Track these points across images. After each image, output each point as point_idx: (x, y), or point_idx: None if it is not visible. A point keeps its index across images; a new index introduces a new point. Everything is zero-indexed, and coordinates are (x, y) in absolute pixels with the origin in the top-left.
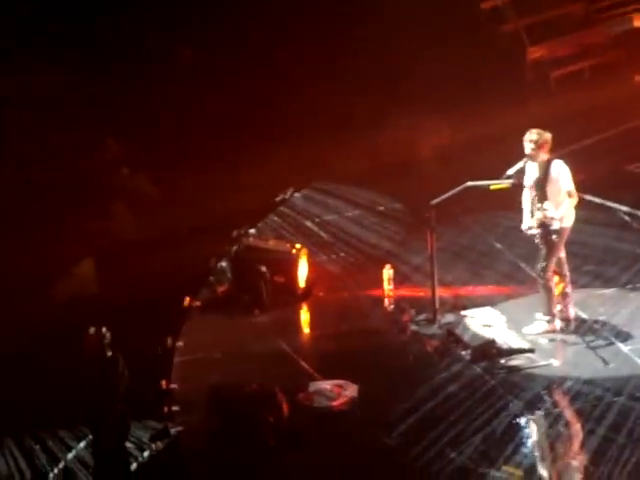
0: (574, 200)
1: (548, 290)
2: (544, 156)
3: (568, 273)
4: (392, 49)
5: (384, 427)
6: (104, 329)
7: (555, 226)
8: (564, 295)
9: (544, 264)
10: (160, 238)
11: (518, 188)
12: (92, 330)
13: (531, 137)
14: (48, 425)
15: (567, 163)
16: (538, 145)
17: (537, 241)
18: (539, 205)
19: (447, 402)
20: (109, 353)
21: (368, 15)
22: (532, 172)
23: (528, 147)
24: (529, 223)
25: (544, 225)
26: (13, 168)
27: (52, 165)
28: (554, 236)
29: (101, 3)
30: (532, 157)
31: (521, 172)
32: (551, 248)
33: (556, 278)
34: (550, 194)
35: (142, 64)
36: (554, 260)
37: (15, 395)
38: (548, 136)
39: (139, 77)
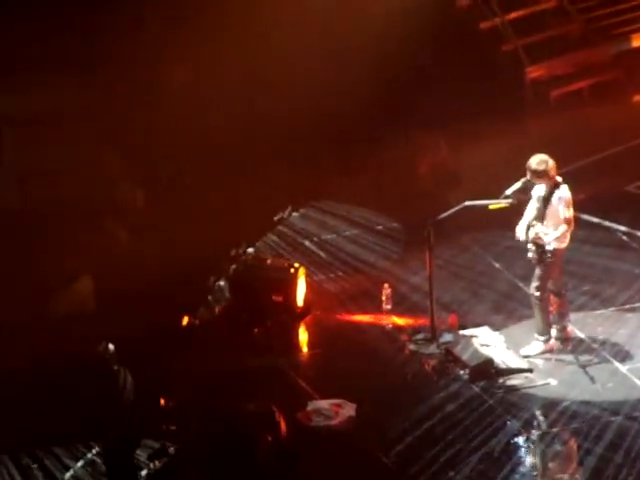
0: (570, 227)
1: (543, 310)
2: (548, 182)
3: (565, 292)
4: (388, 71)
5: (382, 446)
6: (110, 344)
7: (549, 247)
8: (562, 315)
9: (538, 284)
10: (157, 257)
11: (516, 207)
12: (100, 345)
13: (532, 166)
14: (47, 442)
15: (565, 182)
16: (538, 175)
17: (531, 259)
18: (535, 223)
19: (445, 421)
20: (115, 367)
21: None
22: (539, 189)
23: (528, 175)
24: (522, 234)
25: (538, 245)
26: (13, 184)
27: (51, 181)
28: (548, 255)
29: (97, 21)
30: (532, 182)
31: (519, 192)
32: (546, 268)
33: (554, 298)
34: (548, 215)
35: (140, 81)
36: (549, 280)
37: (14, 411)
38: (549, 164)
39: (137, 94)
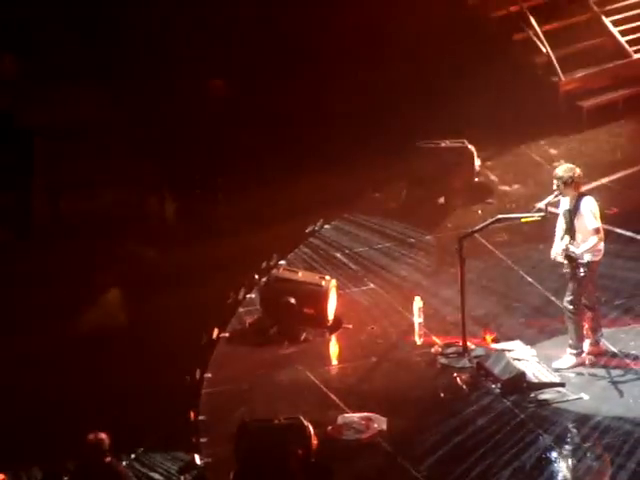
0: (600, 237)
1: (576, 324)
2: (574, 192)
3: (598, 307)
4: (422, 81)
5: (413, 460)
6: (103, 435)
7: (583, 260)
8: (594, 330)
9: (572, 298)
10: (188, 269)
11: (548, 221)
12: (92, 436)
13: (559, 174)
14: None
15: (599, 196)
16: (564, 182)
17: (565, 272)
18: (565, 237)
19: (476, 435)
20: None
21: (399, 44)
22: (565, 203)
23: (555, 183)
24: (557, 251)
25: (572, 258)
26: (45, 197)
27: (83, 194)
28: (582, 269)
29: (132, 34)
30: (561, 193)
31: (552, 205)
32: (579, 282)
33: (587, 312)
34: (578, 229)
35: (174, 94)
36: (582, 294)
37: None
38: (576, 172)
39: (170, 108)
